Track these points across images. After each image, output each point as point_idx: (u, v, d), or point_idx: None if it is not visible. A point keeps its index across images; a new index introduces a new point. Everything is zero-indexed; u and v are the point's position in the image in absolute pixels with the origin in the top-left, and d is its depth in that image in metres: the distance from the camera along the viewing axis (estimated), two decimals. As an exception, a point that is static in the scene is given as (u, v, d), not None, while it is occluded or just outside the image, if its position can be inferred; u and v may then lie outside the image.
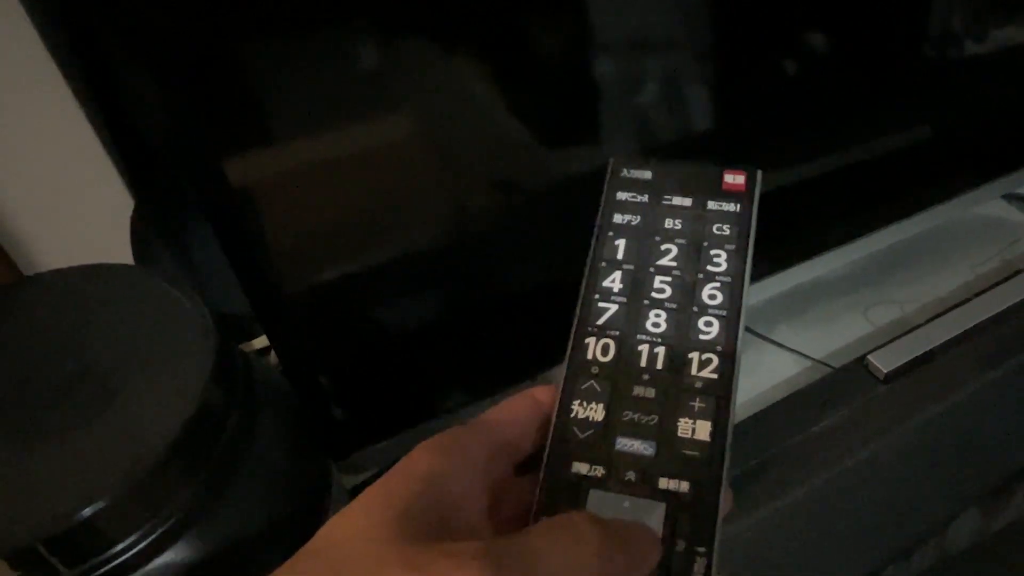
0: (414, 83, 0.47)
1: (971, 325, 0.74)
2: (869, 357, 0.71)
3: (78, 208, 0.56)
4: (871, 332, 0.78)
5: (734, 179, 0.34)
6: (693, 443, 0.29)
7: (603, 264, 0.33)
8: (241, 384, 0.42)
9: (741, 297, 0.32)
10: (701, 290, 0.32)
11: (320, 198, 0.48)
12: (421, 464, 0.27)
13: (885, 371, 0.70)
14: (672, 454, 0.29)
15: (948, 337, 0.73)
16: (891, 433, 0.66)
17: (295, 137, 0.45)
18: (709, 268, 0.32)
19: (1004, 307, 0.75)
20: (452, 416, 0.59)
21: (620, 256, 0.33)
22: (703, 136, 0.62)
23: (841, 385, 0.70)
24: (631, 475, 0.29)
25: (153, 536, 0.37)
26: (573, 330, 0.32)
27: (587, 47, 0.52)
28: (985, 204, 0.87)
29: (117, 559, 0.36)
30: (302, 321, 0.51)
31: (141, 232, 0.54)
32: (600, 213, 0.34)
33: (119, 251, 0.54)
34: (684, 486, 0.28)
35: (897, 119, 0.73)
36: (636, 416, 0.30)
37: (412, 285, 0.55)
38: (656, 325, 0.32)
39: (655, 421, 0.30)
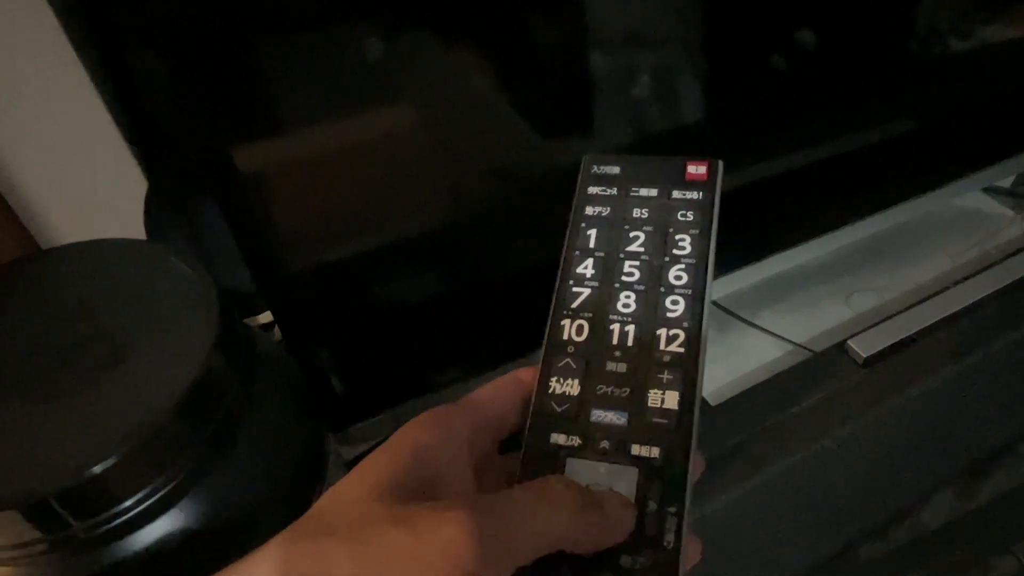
0: (413, 74, 0.48)
1: (949, 313, 0.75)
2: (849, 342, 0.73)
3: (94, 189, 0.57)
4: (852, 318, 0.80)
5: (697, 169, 0.36)
6: (663, 412, 0.31)
7: (576, 253, 0.35)
8: (243, 353, 0.44)
9: (706, 277, 0.33)
10: (668, 272, 0.34)
11: (323, 183, 0.50)
12: (409, 438, 0.29)
13: (864, 355, 0.71)
14: (643, 423, 0.31)
15: (926, 324, 0.74)
16: (869, 415, 0.68)
17: (300, 125, 0.47)
18: (675, 252, 0.34)
19: (981, 296, 0.77)
20: (445, 392, 0.61)
21: (592, 245, 0.35)
22: (693, 127, 0.63)
23: (822, 368, 0.72)
24: (606, 443, 0.30)
25: (159, 494, 0.39)
26: (551, 313, 0.34)
27: (581, 41, 0.53)
28: (965, 196, 0.89)
29: (125, 515, 0.38)
30: (304, 299, 0.53)
31: (153, 212, 0.55)
32: (573, 207, 0.36)
33: (132, 230, 0.56)
34: (655, 451, 0.30)
35: (881, 113, 0.75)
36: (609, 389, 0.32)
37: (409, 267, 0.57)
38: (626, 306, 0.33)
39: (627, 393, 0.31)
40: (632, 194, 0.36)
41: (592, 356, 0.32)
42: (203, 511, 0.41)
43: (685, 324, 0.32)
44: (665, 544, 0.28)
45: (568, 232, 0.35)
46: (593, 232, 0.35)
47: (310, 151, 0.48)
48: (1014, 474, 0.71)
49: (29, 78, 0.51)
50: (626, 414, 0.31)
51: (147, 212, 0.55)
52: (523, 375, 0.33)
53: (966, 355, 0.71)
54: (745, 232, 0.74)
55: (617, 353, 0.32)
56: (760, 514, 0.65)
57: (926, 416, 0.71)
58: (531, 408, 0.32)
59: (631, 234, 0.35)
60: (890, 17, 0.70)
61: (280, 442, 0.46)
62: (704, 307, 0.33)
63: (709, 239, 0.34)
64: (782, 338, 0.77)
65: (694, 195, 0.35)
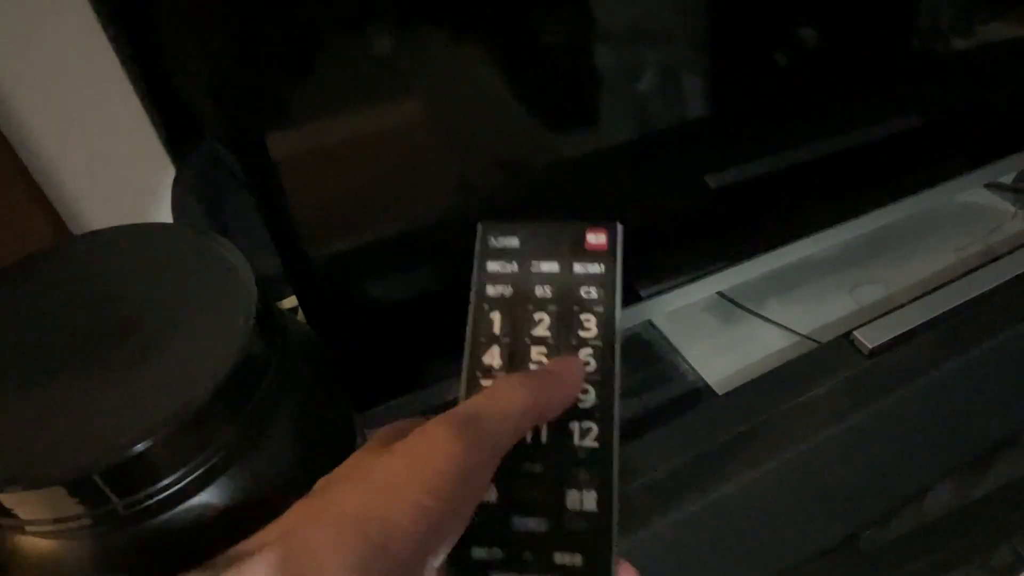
0: (432, 69, 0.49)
1: (953, 305, 0.76)
2: (855, 333, 0.74)
3: (123, 176, 0.58)
4: (857, 310, 0.80)
5: (596, 238, 0.34)
6: (582, 515, 0.30)
7: (482, 340, 0.34)
8: (280, 336, 0.44)
9: (613, 360, 0.32)
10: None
11: (351, 169, 0.50)
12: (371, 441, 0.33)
13: (870, 346, 0.72)
14: (563, 528, 0.30)
15: (931, 316, 0.75)
16: (874, 406, 0.69)
17: (329, 116, 0.47)
18: (580, 334, 0.33)
19: (985, 289, 0.78)
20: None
21: (497, 331, 0.34)
22: (700, 120, 0.64)
23: (827, 359, 0.73)
24: (527, 554, 0.30)
25: (198, 472, 0.39)
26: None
27: (586, 36, 0.54)
28: (969, 192, 0.90)
29: (165, 492, 0.38)
30: (330, 285, 0.54)
31: (181, 198, 0.56)
32: (473, 286, 0.35)
33: (161, 216, 0.57)
34: (577, 559, 0.29)
35: (886, 108, 0.76)
36: (527, 493, 0.31)
37: (438, 254, 0.58)
38: None
39: (545, 496, 0.30)
40: (533, 270, 0.34)
41: (508, 457, 0.30)
42: (239, 489, 0.41)
43: (597, 415, 0.32)
44: None
45: (471, 313, 0.34)
46: (497, 316, 0.34)
47: (341, 137, 0.48)
48: (1015, 466, 0.72)
49: (60, 65, 0.52)
50: (546, 520, 0.30)
51: (174, 199, 0.55)
52: None
53: (970, 347, 0.72)
54: (751, 225, 0.75)
55: (532, 452, 0.31)
56: (763, 503, 0.66)
57: (930, 407, 0.72)
58: None
59: (535, 316, 0.34)
60: (895, 13, 0.71)
61: (312, 422, 0.46)
62: (615, 394, 0.32)
63: (614, 317, 0.33)
64: (788, 329, 0.78)
65: (596, 268, 0.34)
